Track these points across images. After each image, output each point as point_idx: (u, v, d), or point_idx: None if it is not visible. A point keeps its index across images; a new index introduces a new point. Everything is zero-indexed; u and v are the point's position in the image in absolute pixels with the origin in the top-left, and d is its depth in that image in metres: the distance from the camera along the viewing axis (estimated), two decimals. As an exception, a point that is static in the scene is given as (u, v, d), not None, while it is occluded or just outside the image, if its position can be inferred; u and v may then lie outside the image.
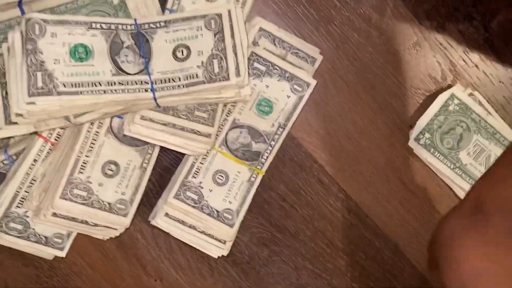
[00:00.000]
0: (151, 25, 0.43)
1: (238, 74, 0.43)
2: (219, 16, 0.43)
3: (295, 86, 0.47)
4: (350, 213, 0.50)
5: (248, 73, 0.44)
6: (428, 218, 0.50)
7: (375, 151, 0.49)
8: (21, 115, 0.38)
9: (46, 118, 0.39)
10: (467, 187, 0.49)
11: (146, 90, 0.42)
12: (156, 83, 0.42)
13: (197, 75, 0.43)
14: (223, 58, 0.43)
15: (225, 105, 0.46)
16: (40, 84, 0.38)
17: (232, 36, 0.43)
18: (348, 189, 0.50)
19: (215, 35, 0.43)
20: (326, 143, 0.49)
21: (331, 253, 0.50)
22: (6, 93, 0.40)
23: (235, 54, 0.43)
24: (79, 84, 0.39)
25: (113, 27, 0.42)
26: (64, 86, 0.38)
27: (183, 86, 0.43)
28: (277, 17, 0.48)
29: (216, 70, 0.43)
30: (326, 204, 0.50)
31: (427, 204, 0.50)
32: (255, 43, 0.47)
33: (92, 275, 0.51)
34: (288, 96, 0.47)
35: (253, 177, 0.47)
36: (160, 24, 0.43)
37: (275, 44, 0.47)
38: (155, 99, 0.42)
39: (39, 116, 0.38)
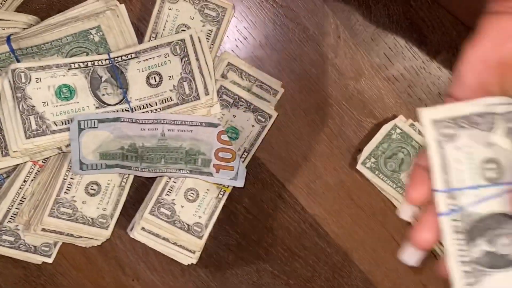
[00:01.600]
0: (123, 57, 0.47)
1: (207, 92, 0.48)
2: (183, 41, 0.47)
3: (259, 117, 0.52)
4: (306, 223, 0.57)
5: (220, 104, 0.48)
6: (373, 229, 0.57)
7: (328, 172, 0.56)
8: (18, 151, 0.43)
9: (41, 150, 0.44)
10: (406, 203, 0.56)
11: None
12: (135, 110, 0.47)
13: (171, 98, 0.48)
14: (192, 79, 0.47)
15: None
16: (34, 126, 0.42)
17: (197, 58, 0.47)
18: (304, 203, 0.56)
19: (181, 59, 0.48)
20: (286, 163, 0.56)
21: (288, 257, 0.57)
22: (0, 128, 0.45)
23: (202, 74, 0.47)
24: (68, 121, 0.44)
25: (90, 64, 0.46)
26: (56, 125, 0.43)
27: (160, 110, 0.48)
28: (244, 52, 0.53)
29: (187, 91, 0.48)
30: (285, 215, 0.56)
31: (372, 217, 0.57)
32: (224, 76, 0.52)
33: (76, 275, 0.57)
34: (253, 126, 0.52)
35: (221, 194, 0.53)
36: (131, 56, 0.47)
37: (241, 77, 0.52)
38: None
39: (34, 150, 0.43)
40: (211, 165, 0.50)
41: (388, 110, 0.55)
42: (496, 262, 0.27)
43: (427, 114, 0.27)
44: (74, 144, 0.45)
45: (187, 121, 0.48)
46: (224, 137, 0.49)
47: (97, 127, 0.46)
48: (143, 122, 0.47)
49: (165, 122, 0.47)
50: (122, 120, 0.47)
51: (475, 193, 0.27)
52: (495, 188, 0.27)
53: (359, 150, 0.55)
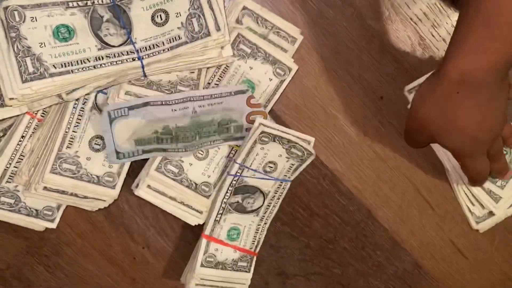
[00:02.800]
0: None
1: (218, 28, 0.44)
2: None
3: (278, 70, 0.48)
4: (325, 179, 0.53)
5: (234, 54, 0.45)
6: (397, 184, 0.54)
7: (349, 122, 0.52)
8: (15, 98, 0.39)
9: (39, 98, 0.40)
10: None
11: (133, 59, 0.43)
12: (141, 51, 0.43)
13: (179, 36, 0.44)
14: (201, 15, 0.44)
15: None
16: (31, 69, 0.38)
17: None
18: (323, 157, 0.53)
19: None
20: (303, 115, 0.52)
21: (307, 217, 0.54)
22: (-6, 77, 0.41)
23: (212, 9, 0.44)
24: (68, 63, 0.40)
25: (89, 3, 0.42)
26: (55, 67, 0.39)
27: (168, 50, 0.44)
28: (255, -7, 0.49)
29: (196, 28, 0.44)
30: (303, 172, 0.53)
31: (396, 171, 0.53)
32: (239, 21, 0.48)
33: (81, 244, 0.53)
34: (270, 79, 0.49)
35: (232, 153, 0.49)
36: None
37: (257, 23, 0.48)
38: (142, 67, 0.44)
39: (33, 98, 0.39)
40: (243, 129, 0.49)
41: (411, 52, 0.51)
42: (239, 208, 0.49)
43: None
44: (108, 135, 0.44)
45: (216, 94, 0.47)
46: (254, 100, 0.48)
47: (128, 114, 0.44)
48: (173, 102, 0.45)
49: (194, 99, 0.46)
50: (152, 104, 0.45)
51: (253, 173, 0.48)
52: (266, 176, 0.49)
53: (381, 98, 0.51)
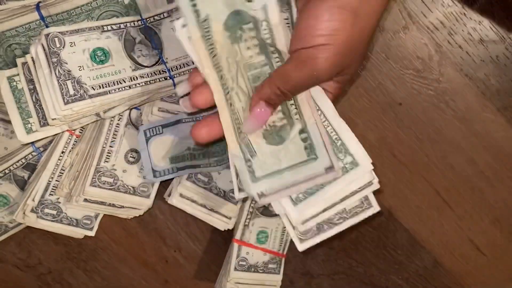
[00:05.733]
0: (156, 17, 0.46)
1: None
2: None
3: None
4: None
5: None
6: (417, 185, 0.56)
7: (368, 128, 0.54)
8: (57, 119, 0.42)
9: (79, 118, 0.43)
10: (451, 156, 0.54)
11: (165, 78, 0.46)
12: (172, 70, 0.46)
13: None
14: None
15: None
16: (72, 91, 0.41)
17: None
18: (345, 162, 0.55)
19: None
20: (325, 122, 0.54)
21: (331, 219, 0.56)
22: (36, 98, 0.44)
23: None
24: (105, 84, 0.43)
25: (123, 26, 0.45)
26: (93, 89, 0.42)
27: None
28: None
29: None
30: (326, 176, 0.55)
31: (416, 173, 0.55)
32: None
33: (116, 249, 0.56)
34: None
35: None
36: (164, 15, 0.46)
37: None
38: (174, 85, 0.46)
39: (73, 117, 0.42)
40: None
41: (428, 60, 0.52)
42: (266, 212, 0.52)
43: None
44: (144, 154, 0.47)
45: None
46: None
47: (162, 132, 0.47)
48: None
49: None
50: (184, 121, 0.48)
51: None
52: None
53: (400, 104, 0.53)
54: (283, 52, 0.36)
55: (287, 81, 0.34)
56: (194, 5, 0.33)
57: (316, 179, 0.36)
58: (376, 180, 0.38)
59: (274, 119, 0.36)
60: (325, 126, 0.37)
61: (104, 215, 0.52)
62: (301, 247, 0.38)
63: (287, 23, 0.36)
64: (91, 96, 0.42)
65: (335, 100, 0.38)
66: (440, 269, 0.58)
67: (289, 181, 0.36)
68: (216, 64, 0.35)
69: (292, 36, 0.35)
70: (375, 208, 0.39)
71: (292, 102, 0.36)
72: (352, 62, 0.35)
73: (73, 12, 0.45)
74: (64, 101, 0.41)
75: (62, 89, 0.41)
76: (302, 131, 0.36)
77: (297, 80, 0.34)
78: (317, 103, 0.37)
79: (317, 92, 0.37)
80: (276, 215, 0.52)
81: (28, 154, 0.49)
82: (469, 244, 0.57)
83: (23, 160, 0.49)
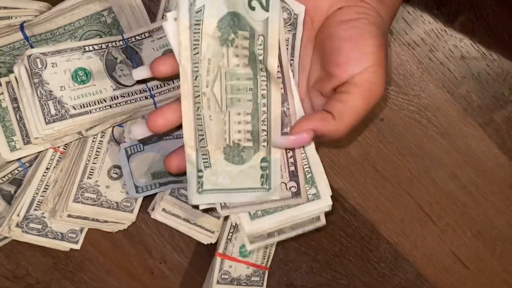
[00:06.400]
0: (137, 37, 0.46)
1: None
2: None
3: None
4: (331, 198, 0.56)
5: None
6: (399, 199, 0.56)
7: (351, 143, 0.55)
8: (39, 138, 0.43)
9: (61, 136, 0.44)
10: (433, 171, 0.55)
11: (146, 98, 0.46)
12: (153, 89, 0.47)
13: None
14: None
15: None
16: (53, 111, 0.42)
17: None
18: (328, 178, 0.55)
19: None
20: (307, 138, 0.55)
21: (314, 232, 0.57)
22: (20, 117, 0.44)
23: None
24: (87, 104, 0.43)
25: (104, 46, 0.45)
26: (74, 108, 0.43)
27: (177, 87, 0.47)
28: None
29: None
30: (309, 190, 0.56)
31: (398, 187, 0.56)
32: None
33: (103, 261, 0.57)
34: None
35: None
36: (145, 35, 0.47)
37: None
38: (154, 103, 0.47)
39: (55, 136, 0.43)
40: None
41: (409, 76, 0.53)
42: None
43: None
44: (126, 170, 0.47)
45: None
46: None
47: (143, 150, 0.48)
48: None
49: None
50: (165, 138, 0.48)
51: None
52: None
53: (382, 120, 0.54)
54: (272, 75, 0.34)
55: (357, 117, 0.32)
56: None
57: (277, 202, 0.36)
58: (323, 219, 0.39)
59: (241, 138, 0.35)
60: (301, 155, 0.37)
61: (90, 228, 0.53)
62: (250, 247, 0.38)
63: (287, 45, 0.35)
64: (72, 116, 0.43)
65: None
66: (423, 282, 0.58)
67: (236, 200, 0.35)
68: (195, 61, 0.32)
69: (332, 67, 0.32)
70: (322, 221, 0.39)
71: (265, 128, 0.36)
72: None
73: (56, 32, 0.46)
74: (45, 121, 0.42)
75: (44, 109, 0.42)
76: (264, 159, 0.36)
77: (364, 113, 0.32)
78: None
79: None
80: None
81: (14, 169, 0.49)
82: (451, 257, 0.58)
83: (9, 175, 0.50)
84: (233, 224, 0.37)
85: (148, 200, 0.54)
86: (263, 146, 0.35)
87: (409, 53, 0.52)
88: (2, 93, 0.45)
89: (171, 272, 0.58)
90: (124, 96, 0.45)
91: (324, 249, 0.57)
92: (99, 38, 0.46)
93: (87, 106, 0.44)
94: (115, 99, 0.45)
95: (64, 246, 0.52)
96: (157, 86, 0.46)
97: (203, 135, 0.34)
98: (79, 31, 0.46)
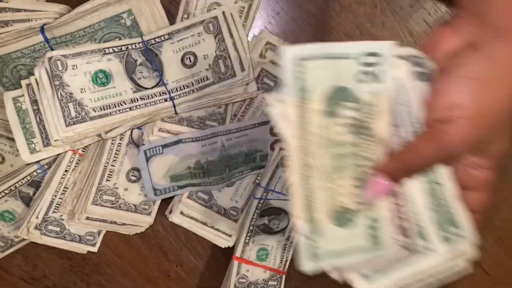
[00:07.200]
0: (157, 39, 0.47)
1: (242, 69, 0.47)
2: (215, 18, 0.46)
3: None
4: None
5: (258, 88, 0.47)
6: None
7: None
8: (59, 140, 0.43)
9: (81, 138, 0.44)
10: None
11: (165, 100, 0.46)
12: (172, 92, 0.47)
13: (207, 77, 0.47)
14: (227, 57, 0.47)
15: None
16: (73, 113, 0.42)
17: (231, 35, 0.47)
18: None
19: (215, 37, 0.47)
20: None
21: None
22: (40, 119, 0.45)
23: (237, 51, 0.46)
24: (106, 106, 0.43)
25: (124, 48, 0.45)
26: (94, 111, 0.43)
27: (197, 90, 0.47)
28: (277, 27, 0.52)
29: (223, 69, 0.47)
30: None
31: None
32: (262, 56, 0.50)
33: (119, 263, 0.57)
34: None
35: (258, 180, 0.52)
36: (164, 37, 0.47)
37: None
38: (174, 106, 0.47)
39: (75, 138, 0.43)
40: (268, 157, 0.51)
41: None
42: (267, 230, 0.52)
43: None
44: (144, 173, 0.47)
45: (241, 127, 0.49)
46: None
47: (162, 152, 0.47)
48: (203, 138, 0.48)
49: (222, 133, 0.49)
50: (184, 141, 0.48)
51: (277, 195, 0.51)
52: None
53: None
54: (380, 138, 0.33)
55: (416, 156, 0.32)
56: (299, 72, 0.31)
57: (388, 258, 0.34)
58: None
59: (348, 202, 0.34)
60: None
61: (108, 231, 0.53)
62: None
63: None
64: (92, 118, 0.43)
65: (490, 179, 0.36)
66: (443, 288, 0.57)
67: (349, 262, 0.34)
68: (302, 136, 0.32)
69: (424, 109, 0.32)
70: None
71: None
72: (496, 135, 0.33)
73: (76, 34, 0.46)
74: (66, 123, 0.42)
75: (64, 111, 0.42)
76: (372, 218, 0.34)
77: (426, 154, 0.32)
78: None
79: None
80: (277, 232, 0.52)
81: (33, 171, 0.50)
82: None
83: (28, 177, 0.50)
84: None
85: (165, 203, 0.53)
86: (369, 206, 0.35)
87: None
88: (23, 95, 0.45)
89: (187, 275, 0.57)
90: (144, 99, 0.45)
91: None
92: (119, 40, 0.46)
93: (107, 109, 0.43)
94: (135, 101, 0.44)
95: (82, 248, 0.52)
96: (176, 88, 0.46)
97: (311, 204, 0.33)
98: (99, 33, 0.46)
